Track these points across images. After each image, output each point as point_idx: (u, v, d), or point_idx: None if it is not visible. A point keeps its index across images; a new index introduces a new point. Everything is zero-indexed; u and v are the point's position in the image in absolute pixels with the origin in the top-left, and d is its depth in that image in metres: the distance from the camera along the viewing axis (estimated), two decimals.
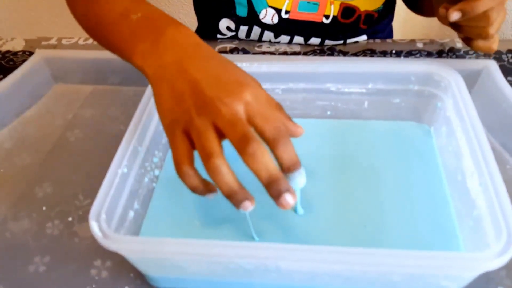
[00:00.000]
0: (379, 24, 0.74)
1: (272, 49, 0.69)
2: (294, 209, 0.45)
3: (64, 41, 0.74)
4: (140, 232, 0.44)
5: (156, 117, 0.50)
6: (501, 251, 0.33)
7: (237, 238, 0.43)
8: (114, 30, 0.45)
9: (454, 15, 0.50)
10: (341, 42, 0.71)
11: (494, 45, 0.55)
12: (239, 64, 0.53)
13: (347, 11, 0.68)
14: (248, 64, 0.52)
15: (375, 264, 0.34)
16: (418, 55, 0.65)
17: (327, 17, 0.68)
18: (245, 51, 0.69)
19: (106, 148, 0.48)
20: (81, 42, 0.74)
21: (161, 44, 0.40)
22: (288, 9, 0.67)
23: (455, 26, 0.55)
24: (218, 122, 0.35)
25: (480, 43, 0.55)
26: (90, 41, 0.73)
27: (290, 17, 0.68)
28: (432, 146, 0.51)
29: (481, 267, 0.33)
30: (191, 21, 0.86)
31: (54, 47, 0.73)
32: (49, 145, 0.57)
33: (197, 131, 0.35)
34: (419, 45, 0.67)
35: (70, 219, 0.48)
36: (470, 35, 0.55)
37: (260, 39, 0.73)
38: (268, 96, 0.38)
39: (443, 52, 0.65)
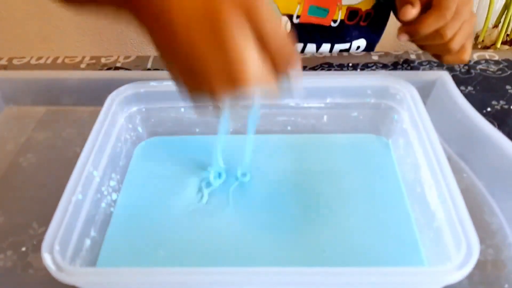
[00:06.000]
0: (376, 22, 0.77)
1: None
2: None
3: (15, 61, 0.72)
4: (98, 261, 0.42)
5: (113, 138, 0.49)
6: (462, 263, 0.33)
7: (200, 263, 0.42)
8: None
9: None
10: (348, 45, 0.75)
11: (465, 56, 0.54)
12: None
13: (352, 13, 0.71)
14: None
15: (336, 284, 0.33)
16: (373, 67, 0.66)
17: (334, 21, 0.70)
18: None
19: (61, 172, 0.46)
20: (33, 61, 0.71)
21: None
22: (299, 13, 0.69)
23: (419, 45, 0.56)
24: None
25: (449, 58, 0.55)
26: (43, 60, 0.71)
27: (300, 21, 0.69)
28: (391, 158, 0.52)
29: (443, 281, 0.33)
30: None
31: (4, 67, 0.70)
32: (0, 172, 0.54)
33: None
34: (375, 58, 0.68)
35: (23, 249, 0.46)
36: (436, 52, 0.55)
37: None
38: None
39: (398, 64, 0.67)
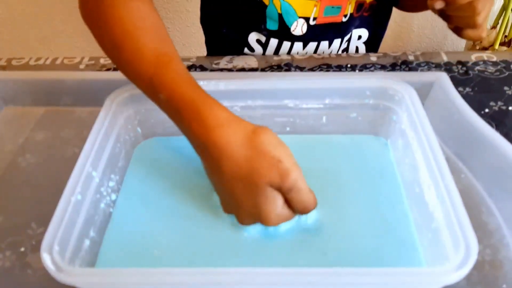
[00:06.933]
0: (378, 13, 0.77)
1: (229, 65, 0.69)
2: None
3: (14, 62, 0.72)
4: (97, 261, 0.42)
5: (112, 138, 0.49)
6: (460, 264, 0.33)
7: (199, 264, 0.42)
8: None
9: (438, 4, 0.54)
10: (349, 35, 0.76)
11: (483, 33, 0.58)
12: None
13: (359, 6, 0.72)
14: (205, 82, 0.52)
15: (335, 284, 0.33)
16: (372, 68, 0.66)
17: (345, 16, 0.71)
18: (203, 68, 0.68)
19: (60, 173, 0.46)
20: (32, 62, 0.71)
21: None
22: (316, 15, 0.70)
23: (444, 16, 0.58)
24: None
25: (469, 32, 0.58)
26: (42, 61, 0.71)
27: (317, 23, 0.71)
28: (390, 159, 0.52)
29: (441, 281, 0.33)
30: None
31: (3, 68, 0.70)
32: None
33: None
34: (373, 59, 0.68)
35: (22, 249, 0.46)
36: (459, 25, 0.58)
37: (289, 53, 0.74)
38: None
39: (396, 65, 0.67)
